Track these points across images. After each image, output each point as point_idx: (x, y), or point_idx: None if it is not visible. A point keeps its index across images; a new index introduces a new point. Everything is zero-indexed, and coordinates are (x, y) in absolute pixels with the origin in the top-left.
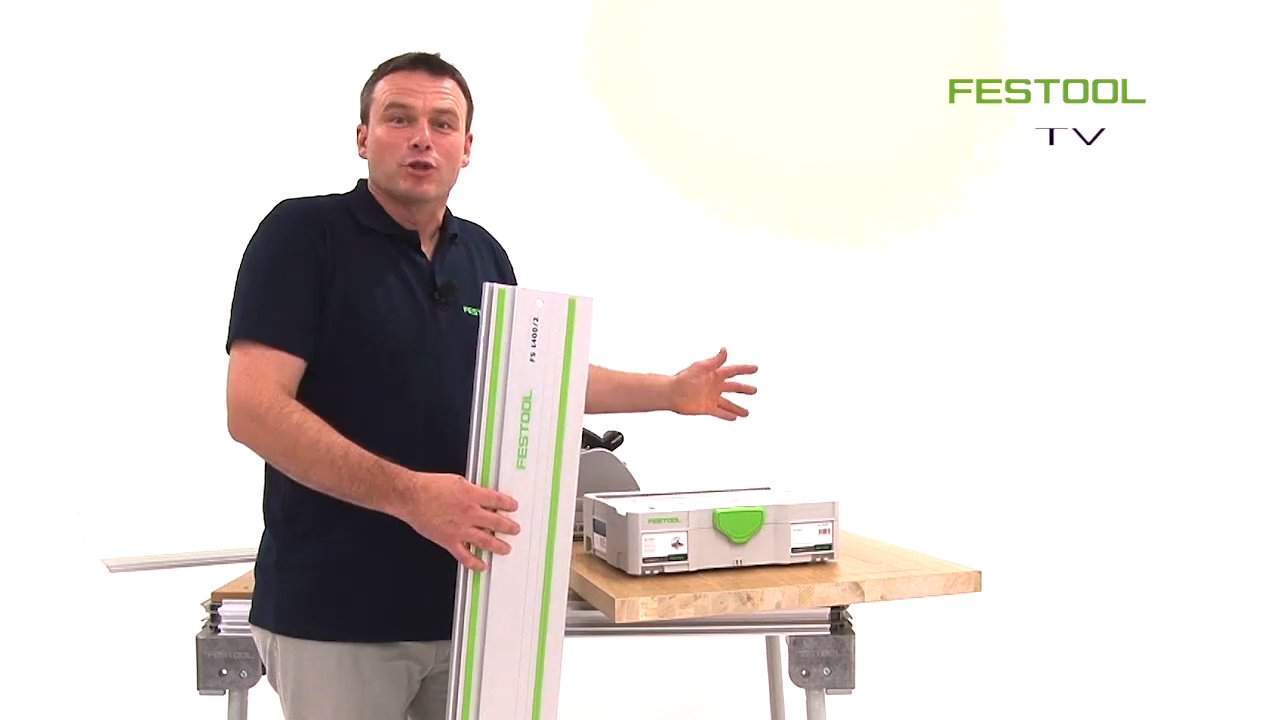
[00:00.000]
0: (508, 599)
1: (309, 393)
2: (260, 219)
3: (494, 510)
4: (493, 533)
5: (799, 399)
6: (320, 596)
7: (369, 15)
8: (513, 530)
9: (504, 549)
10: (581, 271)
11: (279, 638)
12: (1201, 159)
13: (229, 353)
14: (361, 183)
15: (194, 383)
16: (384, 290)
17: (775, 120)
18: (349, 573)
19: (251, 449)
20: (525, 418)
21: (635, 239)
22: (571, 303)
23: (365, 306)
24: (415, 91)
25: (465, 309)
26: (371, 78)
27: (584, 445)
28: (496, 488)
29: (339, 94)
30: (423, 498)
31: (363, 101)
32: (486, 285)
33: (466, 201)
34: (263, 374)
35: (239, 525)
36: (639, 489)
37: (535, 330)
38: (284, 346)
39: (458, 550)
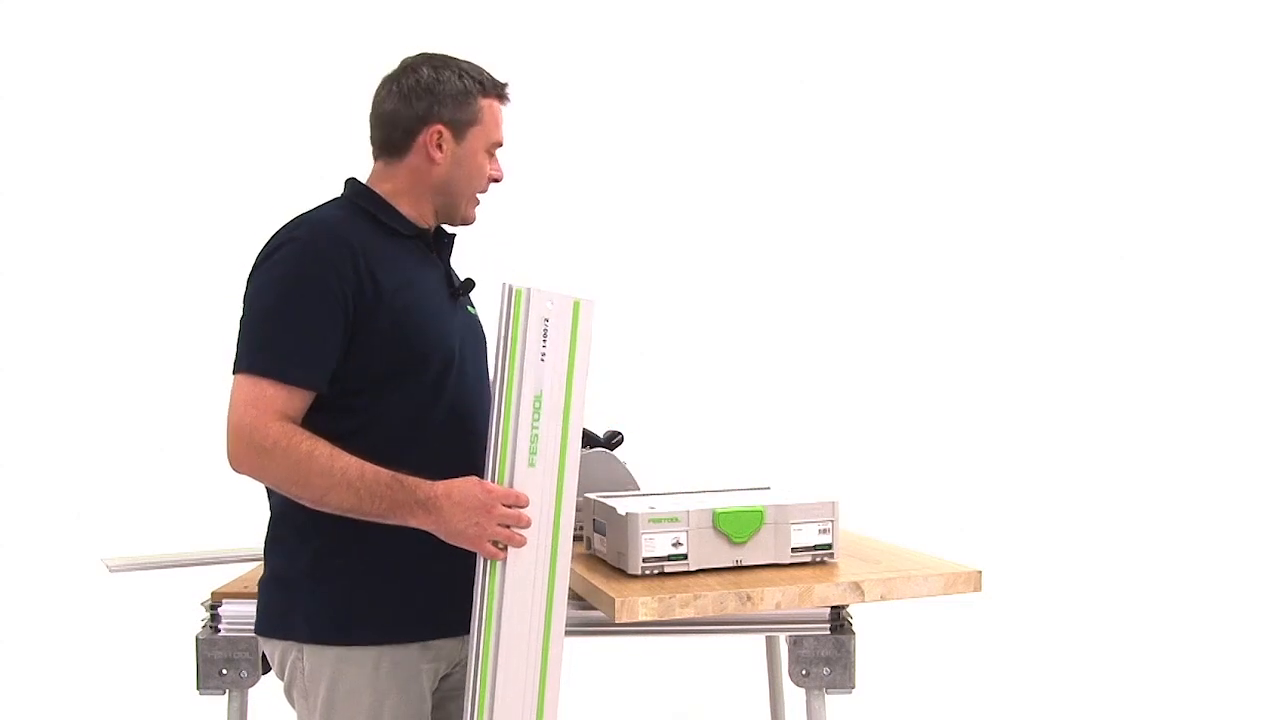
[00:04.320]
0: (519, 595)
1: (353, 408)
2: (278, 236)
3: (512, 507)
4: (508, 528)
5: (799, 399)
6: (357, 601)
7: (368, 16)
8: (528, 525)
9: (522, 542)
10: (585, 272)
11: (309, 648)
12: (1201, 158)
13: (234, 375)
14: (355, 183)
15: (194, 384)
16: (423, 294)
17: (774, 118)
18: (384, 574)
19: (257, 480)
20: (536, 416)
21: (632, 239)
22: (576, 305)
23: (416, 310)
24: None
25: (466, 308)
26: (478, 88)
27: (584, 445)
28: (512, 486)
29: (338, 96)
30: (445, 505)
31: (458, 107)
32: (505, 284)
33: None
34: (269, 405)
35: (239, 525)
36: (639, 489)
37: (546, 331)
38: (294, 381)
39: (486, 549)
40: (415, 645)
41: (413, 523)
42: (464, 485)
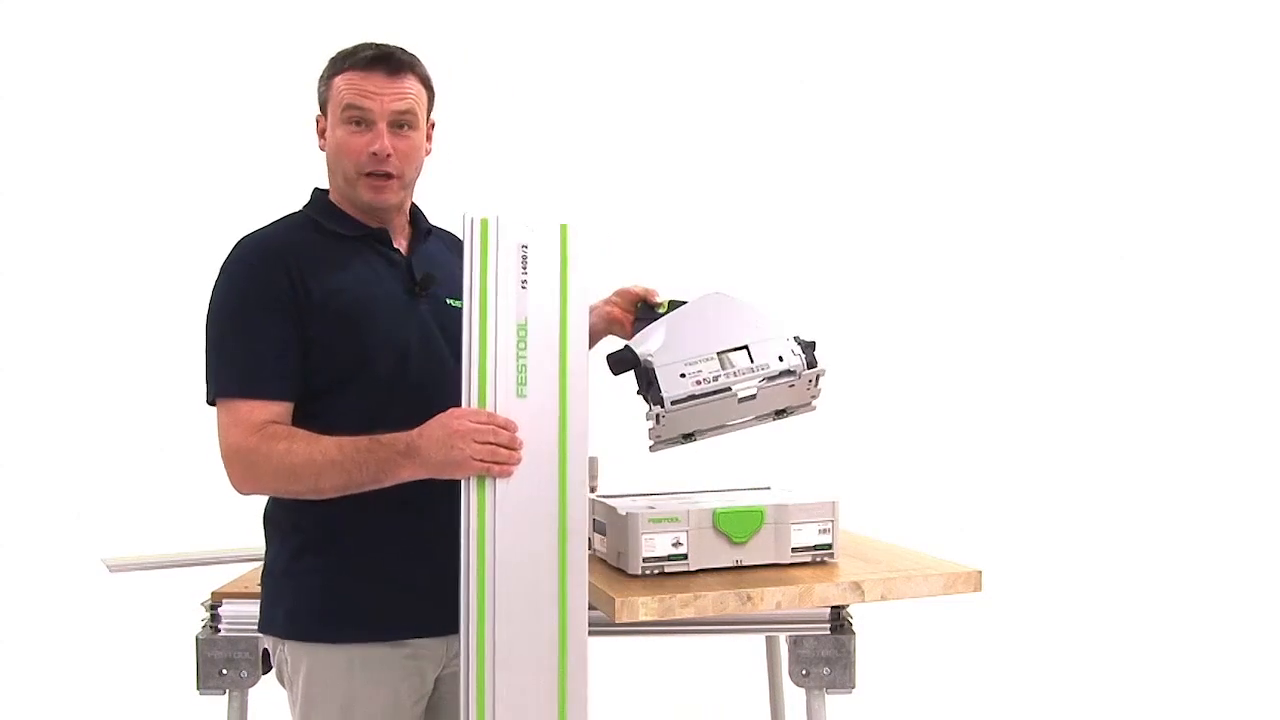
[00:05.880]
0: (517, 534)
1: (312, 413)
2: (222, 262)
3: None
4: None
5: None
6: (331, 598)
7: (372, 17)
8: (513, 445)
9: (514, 458)
10: None
11: (288, 643)
12: (1201, 158)
13: (213, 406)
14: (318, 191)
15: (194, 383)
16: (367, 292)
17: (774, 118)
18: (359, 573)
19: (262, 494)
20: (522, 345)
21: (632, 237)
22: (563, 229)
23: (354, 312)
24: (373, 94)
25: (447, 301)
26: (329, 68)
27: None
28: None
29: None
30: (422, 444)
31: (320, 91)
32: (465, 215)
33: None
34: (248, 424)
35: (239, 525)
36: (768, 318)
37: (525, 257)
38: (265, 396)
39: (474, 468)
40: (389, 644)
41: (404, 475)
42: (434, 420)
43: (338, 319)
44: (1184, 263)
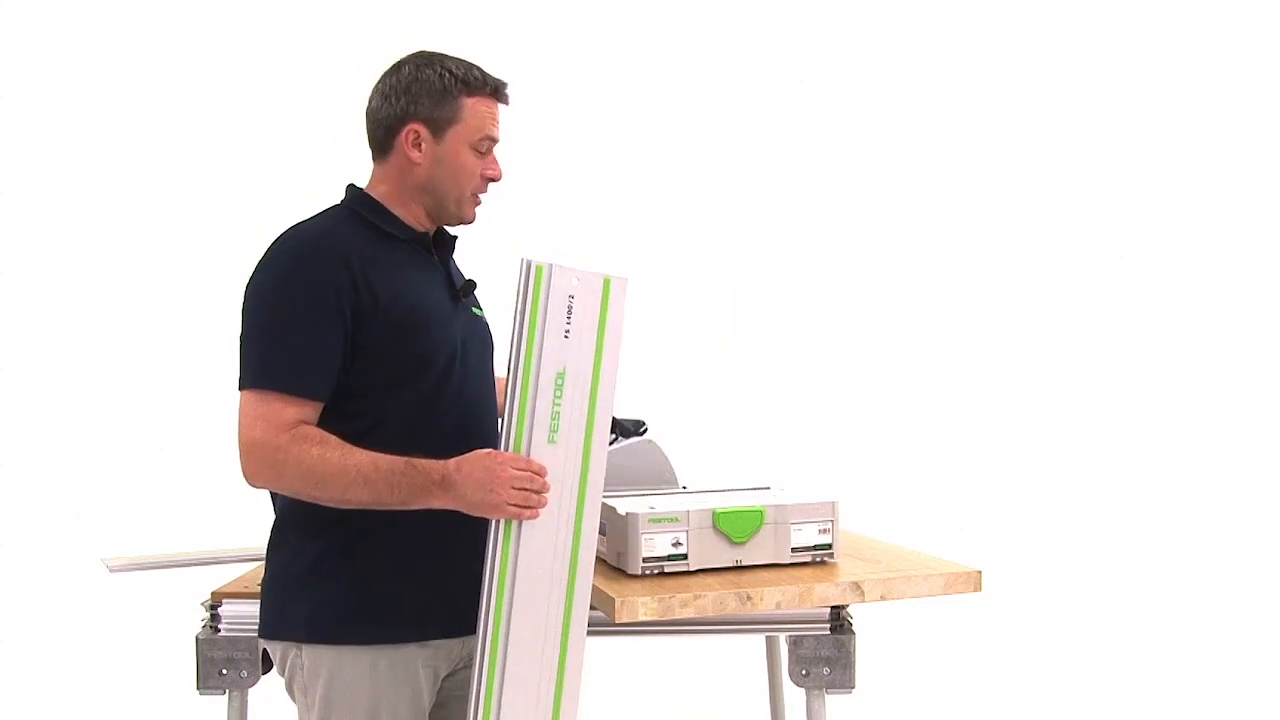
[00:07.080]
0: (534, 573)
1: (355, 411)
2: (271, 250)
3: (524, 472)
4: (523, 492)
5: (799, 398)
6: (360, 599)
7: (377, 15)
8: (544, 490)
9: (543, 502)
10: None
11: (307, 648)
12: (1201, 158)
13: (240, 392)
14: (353, 189)
15: (194, 384)
16: (425, 298)
17: (774, 118)
18: (390, 573)
19: (275, 491)
20: (558, 394)
21: (632, 238)
22: (607, 282)
23: (412, 319)
24: (497, 123)
25: (472, 309)
26: (455, 84)
27: (615, 435)
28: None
29: (347, 96)
30: (458, 480)
31: (436, 105)
32: (524, 260)
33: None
34: (276, 419)
35: (239, 525)
36: (676, 477)
37: (570, 308)
38: (299, 393)
39: (507, 512)
40: (414, 644)
41: (434, 504)
42: (473, 458)
43: (398, 324)
44: (1183, 263)
